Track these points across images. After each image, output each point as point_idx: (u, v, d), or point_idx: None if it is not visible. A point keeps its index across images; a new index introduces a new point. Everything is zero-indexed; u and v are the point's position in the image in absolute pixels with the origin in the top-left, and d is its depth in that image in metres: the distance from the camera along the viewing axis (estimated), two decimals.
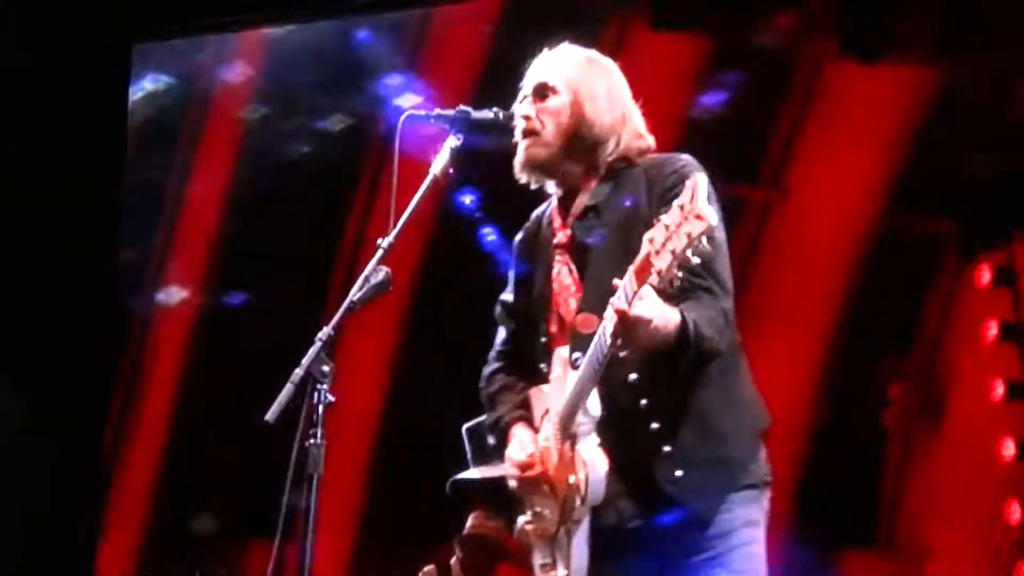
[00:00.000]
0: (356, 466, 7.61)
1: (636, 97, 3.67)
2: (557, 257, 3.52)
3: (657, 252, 3.05)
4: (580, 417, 3.37)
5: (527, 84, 3.61)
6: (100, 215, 7.22)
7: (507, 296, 3.72)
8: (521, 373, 3.63)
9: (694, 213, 3.02)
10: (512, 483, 3.54)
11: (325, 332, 3.34)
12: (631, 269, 3.11)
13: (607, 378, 3.35)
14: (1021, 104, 6.36)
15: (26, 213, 6.99)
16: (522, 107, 3.59)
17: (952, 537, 6.31)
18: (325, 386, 3.31)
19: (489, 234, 7.10)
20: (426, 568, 5.00)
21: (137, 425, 8.18)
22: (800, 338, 6.42)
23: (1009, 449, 6.17)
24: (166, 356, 8.19)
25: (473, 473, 4.68)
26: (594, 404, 3.36)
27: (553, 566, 3.41)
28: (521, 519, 3.51)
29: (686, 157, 3.48)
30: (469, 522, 4.96)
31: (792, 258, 6.57)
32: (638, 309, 3.11)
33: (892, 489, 6.48)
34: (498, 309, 3.76)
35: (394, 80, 7.41)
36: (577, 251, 3.48)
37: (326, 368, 3.31)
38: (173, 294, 8.04)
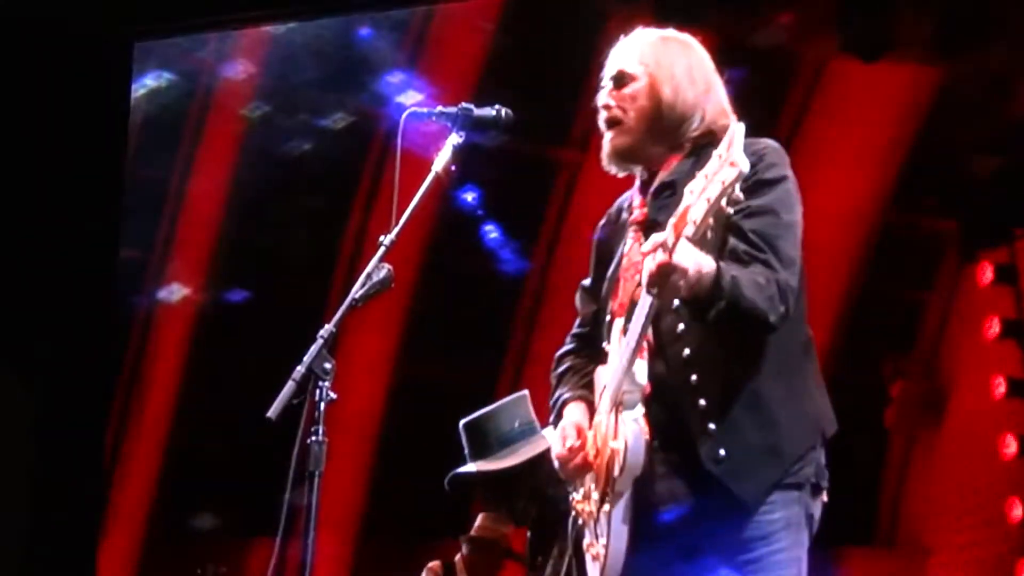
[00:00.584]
0: (358, 464, 7.62)
1: None
2: (631, 234, 3.49)
3: (695, 202, 3.07)
4: (626, 385, 3.33)
5: (606, 74, 3.57)
6: (101, 212, 7.21)
7: (586, 281, 3.70)
8: (592, 355, 3.60)
9: (728, 161, 3.02)
10: (559, 472, 3.51)
11: (327, 329, 3.34)
12: (671, 221, 3.12)
13: (661, 352, 3.34)
14: (1021, 102, 6.36)
15: (28, 210, 7.00)
16: (602, 97, 3.56)
17: (953, 535, 6.32)
18: (327, 383, 3.30)
19: (491, 231, 7.11)
20: (431, 564, 5.00)
21: (139, 423, 8.19)
22: None
23: (1010, 446, 6.17)
24: (167, 354, 8.20)
25: (471, 467, 4.69)
26: (641, 372, 3.31)
27: (595, 544, 3.39)
28: (573, 496, 3.49)
29: (768, 140, 3.44)
30: (478, 522, 4.96)
31: None
32: (675, 259, 3.12)
33: (893, 487, 6.48)
34: (577, 294, 3.73)
35: (396, 78, 7.41)
36: (650, 227, 3.44)
37: (328, 365, 3.30)
38: (174, 292, 8.05)
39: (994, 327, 6.31)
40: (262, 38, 7.85)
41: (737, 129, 3.07)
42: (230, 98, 8.01)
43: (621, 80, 3.52)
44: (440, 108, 3.64)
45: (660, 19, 6.13)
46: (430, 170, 3.57)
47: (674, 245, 3.11)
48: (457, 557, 4.95)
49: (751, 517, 3.33)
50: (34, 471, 6.98)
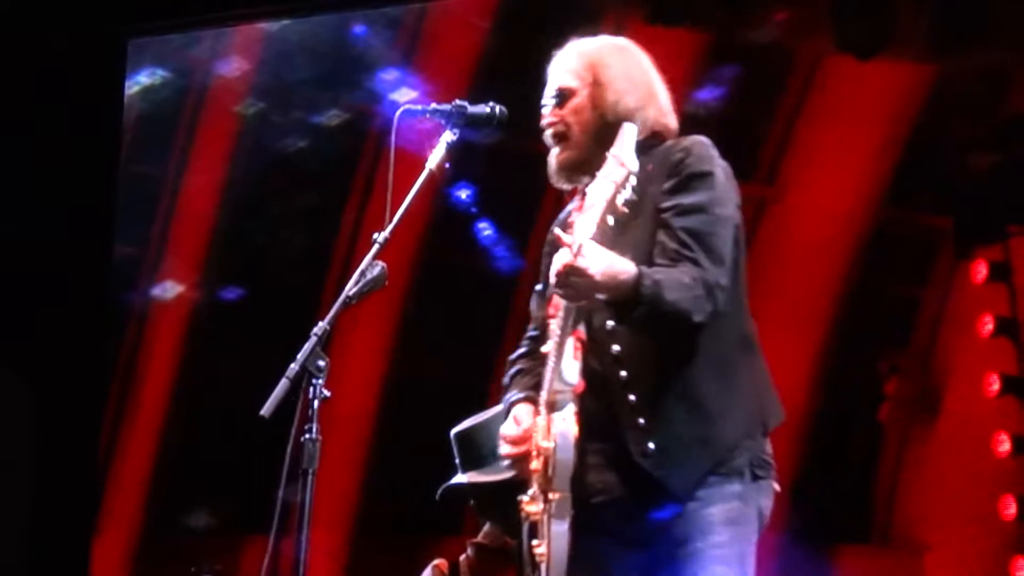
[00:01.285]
0: (351, 461, 7.61)
1: None
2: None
3: (594, 203, 3.16)
4: (557, 385, 3.38)
5: (547, 91, 3.60)
6: (96, 210, 7.21)
7: (539, 285, 3.73)
8: (542, 357, 3.63)
9: (619, 161, 3.13)
10: (510, 463, 3.53)
11: (321, 327, 3.34)
12: (577, 224, 3.21)
13: (594, 348, 3.38)
14: (1016, 99, 6.36)
15: (22, 208, 6.99)
16: (545, 115, 3.59)
17: (948, 533, 6.31)
18: (320, 381, 3.31)
19: (485, 229, 7.10)
20: (437, 561, 4.98)
21: (132, 420, 8.18)
22: (796, 334, 6.42)
23: (1004, 444, 6.17)
24: (162, 351, 8.19)
25: (463, 479, 4.66)
26: (570, 372, 3.36)
27: (541, 545, 3.40)
28: (522, 499, 3.49)
29: (696, 136, 3.50)
30: (484, 529, 4.93)
31: (788, 254, 6.57)
32: (578, 261, 3.18)
33: (888, 485, 6.48)
34: (532, 298, 3.76)
35: (390, 75, 7.41)
36: None
37: (321, 363, 3.31)
38: (169, 289, 8.03)
39: (988, 325, 6.31)
40: (256, 35, 7.84)
41: (627, 129, 3.19)
42: (224, 95, 8.00)
43: (562, 97, 3.58)
44: (434, 105, 3.66)
45: (653, 17, 6.15)
46: (424, 167, 3.57)
47: (578, 248, 3.14)
48: (462, 558, 4.93)
49: (688, 510, 3.37)
50: (30, 466, 6.98)
